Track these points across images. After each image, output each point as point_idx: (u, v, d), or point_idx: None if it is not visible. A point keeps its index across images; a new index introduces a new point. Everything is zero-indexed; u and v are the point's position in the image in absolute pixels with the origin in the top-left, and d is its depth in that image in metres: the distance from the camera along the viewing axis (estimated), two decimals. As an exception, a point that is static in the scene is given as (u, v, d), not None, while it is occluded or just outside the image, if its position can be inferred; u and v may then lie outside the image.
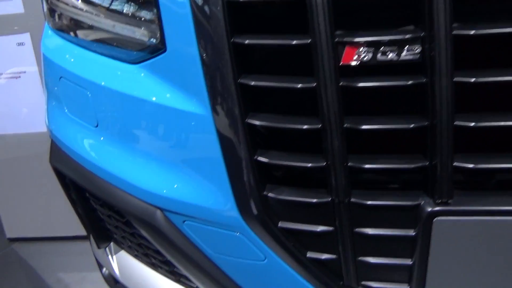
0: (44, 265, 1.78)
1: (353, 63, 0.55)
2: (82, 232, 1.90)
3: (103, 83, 0.79)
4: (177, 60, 0.67)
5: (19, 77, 1.74)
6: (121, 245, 1.02)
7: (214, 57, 0.60)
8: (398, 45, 0.53)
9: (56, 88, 0.93)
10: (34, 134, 1.80)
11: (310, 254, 0.69)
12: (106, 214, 0.94)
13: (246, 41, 0.58)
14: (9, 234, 1.96)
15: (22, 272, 1.77)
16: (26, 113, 1.78)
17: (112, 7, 0.77)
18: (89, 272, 1.72)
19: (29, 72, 1.72)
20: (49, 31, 1.01)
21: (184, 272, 0.82)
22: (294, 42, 0.56)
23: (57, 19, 0.95)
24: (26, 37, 1.68)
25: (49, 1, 0.97)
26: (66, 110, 0.90)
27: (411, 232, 0.63)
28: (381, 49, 0.54)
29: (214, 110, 0.63)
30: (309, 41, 0.55)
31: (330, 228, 0.65)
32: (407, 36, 0.53)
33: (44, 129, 1.78)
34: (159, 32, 0.68)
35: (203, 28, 0.61)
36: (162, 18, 0.66)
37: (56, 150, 0.96)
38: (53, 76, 0.93)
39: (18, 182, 1.88)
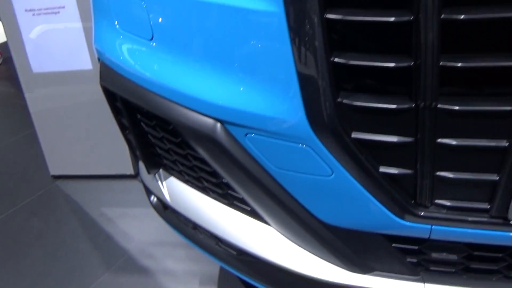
0: (87, 201, 1.81)
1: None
2: (123, 171, 1.93)
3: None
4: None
5: (58, 12, 1.70)
6: (171, 171, 1.00)
7: None
8: None
9: (105, 4, 0.89)
10: (75, 72, 1.78)
11: (383, 169, 0.64)
12: (158, 137, 0.91)
13: None
14: (53, 171, 2.00)
15: (66, 207, 1.81)
16: (67, 49, 1.76)
17: None
18: (130, 208, 1.75)
19: (69, 7, 1.68)
20: None
21: (241, 192, 0.79)
22: None
23: None
24: (64, -31, 1.63)
25: None
26: (117, 26, 0.86)
27: (504, 143, 0.56)
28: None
29: (287, 5, 0.57)
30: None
31: (409, 139, 0.60)
32: None
33: (85, 66, 1.77)
34: None
35: None
36: None
37: (106, 70, 0.92)
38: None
39: (61, 120, 1.89)
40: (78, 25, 1.71)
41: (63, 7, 1.70)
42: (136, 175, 1.92)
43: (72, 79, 1.80)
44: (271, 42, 0.61)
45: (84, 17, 1.69)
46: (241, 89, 0.66)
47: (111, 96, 0.95)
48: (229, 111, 0.68)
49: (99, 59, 0.98)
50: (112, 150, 1.88)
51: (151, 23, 0.76)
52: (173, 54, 0.75)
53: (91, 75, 1.77)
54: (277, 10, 0.58)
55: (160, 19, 0.75)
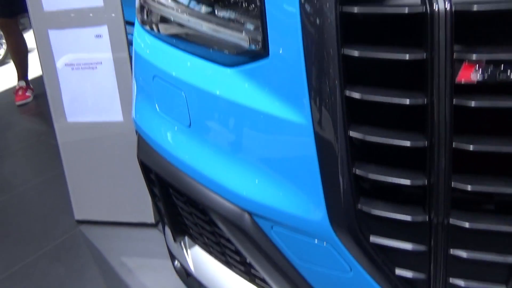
0: (108, 249, 1.87)
1: (471, 80, 0.53)
2: (144, 219, 1.99)
3: (198, 85, 0.81)
4: (279, 67, 0.67)
5: (95, 67, 1.81)
6: (196, 241, 1.05)
7: (321, 67, 0.61)
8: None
9: (148, 86, 0.97)
10: (107, 123, 1.88)
11: (398, 272, 0.68)
12: (187, 211, 0.97)
13: (357, 54, 0.58)
14: (78, 216, 2.07)
15: (89, 254, 1.86)
16: (101, 102, 1.86)
17: (212, 11, 0.79)
18: (149, 259, 1.79)
19: (105, 63, 1.79)
20: (141, 29, 1.04)
21: (263, 274, 0.83)
22: (408, 57, 0.55)
23: (150, 18, 0.98)
24: (104, 30, 1.75)
25: (142, 0, 1.00)
26: (157, 108, 0.93)
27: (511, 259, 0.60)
28: (501, 68, 0.52)
29: (315, 120, 0.63)
30: (424, 56, 0.54)
31: (423, 248, 0.64)
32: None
33: (116, 119, 1.87)
34: (261, 39, 0.69)
35: (311, 37, 0.61)
36: (268, 26, 0.67)
37: (144, 145, 0.99)
38: (145, 74, 0.96)
39: (89, 166, 1.97)
40: (112, 80, 1.82)
41: (100, 63, 1.81)
42: (156, 224, 1.97)
43: (103, 129, 1.90)
44: (299, 149, 0.67)
45: (118, 73, 1.80)
46: (268, 185, 0.72)
47: (146, 168, 1.02)
48: (256, 205, 0.74)
49: (137, 132, 1.06)
50: (135, 198, 1.94)
51: (189, 112, 0.84)
52: (207, 143, 0.81)
53: (122, 127, 1.86)
54: (306, 122, 0.65)
55: (198, 111, 0.82)
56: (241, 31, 0.73)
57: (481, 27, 0.54)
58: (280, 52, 0.66)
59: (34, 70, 3.92)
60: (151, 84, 0.94)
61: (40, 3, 1.77)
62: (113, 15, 1.72)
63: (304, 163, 0.67)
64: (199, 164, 0.83)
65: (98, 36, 1.77)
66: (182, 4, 0.88)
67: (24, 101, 3.95)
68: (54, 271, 1.76)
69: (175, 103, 0.87)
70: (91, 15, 1.74)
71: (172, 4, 0.90)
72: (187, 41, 0.87)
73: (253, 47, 0.71)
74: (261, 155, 0.73)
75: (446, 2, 0.52)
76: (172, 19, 0.90)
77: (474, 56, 0.52)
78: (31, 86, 4.08)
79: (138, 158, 1.01)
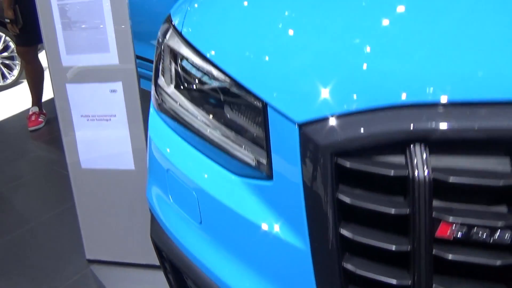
0: (119, 291, 1.96)
1: (448, 237, 0.62)
2: (153, 261, 2.08)
3: (207, 189, 0.90)
4: (281, 194, 0.76)
5: (110, 119, 1.91)
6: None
7: (318, 207, 0.69)
8: (491, 230, 0.60)
9: (161, 175, 1.06)
10: (120, 170, 1.97)
11: None
12: (195, 290, 1.05)
13: (349, 201, 0.66)
14: (88, 255, 2.16)
15: (100, 295, 1.96)
16: (114, 151, 1.96)
17: (225, 122, 0.88)
18: (157, 302, 1.88)
19: (119, 115, 1.89)
20: (156, 114, 1.12)
21: None
22: (393, 211, 0.63)
23: (164, 107, 1.06)
24: (118, 85, 1.85)
25: (158, 91, 1.09)
26: (170, 198, 1.02)
27: None
28: (474, 230, 0.60)
29: (313, 249, 0.72)
30: (407, 211, 0.63)
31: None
32: (500, 223, 0.59)
33: (128, 167, 1.96)
34: (266, 164, 0.78)
35: (309, 180, 0.69)
36: (272, 158, 0.76)
37: (156, 225, 1.08)
38: (158, 164, 1.05)
39: (101, 209, 2.07)
40: (125, 131, 1.91)
41: (114, 115, 1.91)
42: (164, 266, 2.05)
43: (116, 176, 1.99)
44: (296, 269, 0.76)
45: (131, 125, 1.90)
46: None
47: (157, 247, 1.11)
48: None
49: (150, 210, 1.15)
50: (144, 241, 2.03)
51: (200, 211, 0.92)
52: (214, 242, 0.90)
53: (133, 174, 1.96)
54: (305, 248, 0.73)
55: (207, 211, 0.91)
56: (248, 151, 0.82)
57: (459, 192, 0.63)
58: (282, 182, 0.75)
59: (46, 92, 4.03)
60: (164, 175, 1.03)
61: (59, 59, 1.87)
62: (127, 72, 1.82)
63: (302, 283, 0.75)
64: (208, 261, 0.91)
65: (113, 91, 1.87)
66: (194, 107, 0.96)
67: (36, 127, 4.08)
68: (67, 314, 1.85)
69: (188, 199, 0.96)
70: (107, 71, 1.84)
71: (184, 105, 0.98)
72: (199, 140, 0.96)
73: (259, 168, 0.80)
74: (262, 265, 0.81)
75: (426, 170, 0.60)
76: (182, 116, 0.98)
77: (450, 219, 0.60)
78: (44, 111, 4.20)
79: (151, 236, 1.10)
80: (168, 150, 1.03)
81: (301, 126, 0.70)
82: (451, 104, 0.61)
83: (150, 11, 3.03)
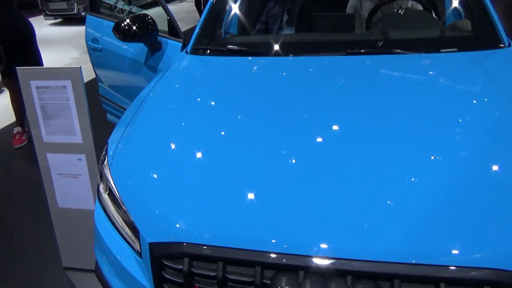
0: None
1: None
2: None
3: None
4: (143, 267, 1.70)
5: (77, 177, 2.82)
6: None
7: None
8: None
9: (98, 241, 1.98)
10: (83, 210, 2.89)
11: None
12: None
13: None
14: (65, 264, 3.09)
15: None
16: (79, 196, 2.88)
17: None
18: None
19: (83, 175, 2.80)
20: (98, 205, 2.05)
21: None
22: None
23: (102, 205, 1.98)
24: (82, 156, 2.76)
25: (99, 193, 2.01)
26: (104, 257, 1.95)
27: None
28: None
29: None
30: None
31: None
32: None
33: (89, 207, 2.88)
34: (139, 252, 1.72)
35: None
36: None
37: (98, 269, 2.01)
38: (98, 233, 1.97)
39: (78, 232, 2.99)
40: (88, 186, 2.83)
41: (81, 175, 2.82)
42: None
43: (79, 213, 2.92)
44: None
45: (92, 181, 2.81)
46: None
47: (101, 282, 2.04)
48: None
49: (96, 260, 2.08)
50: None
51: (114, 268, 1.86)
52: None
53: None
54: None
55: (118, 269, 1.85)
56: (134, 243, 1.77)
57: None
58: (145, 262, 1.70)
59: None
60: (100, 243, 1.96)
61: (41, 137, 2.76)
62: (88, 147, 2.72)
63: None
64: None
65: (79, 159, 2.78)
66: (116, 213, 1.90)
67: (21, 145, 4.92)
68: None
69: (110, 258, 1.89)
70: (75, 146, 2.74)
71: (111, 208, 1.92)
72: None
73: (138, 253, 1.74)
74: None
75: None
76: (109, 216, 1.92)
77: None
78: (26, 129, 5.03)
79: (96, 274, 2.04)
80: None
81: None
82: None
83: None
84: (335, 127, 1.75)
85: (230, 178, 1.58)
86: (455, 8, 2.87)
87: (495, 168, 1.42)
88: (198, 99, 2.18)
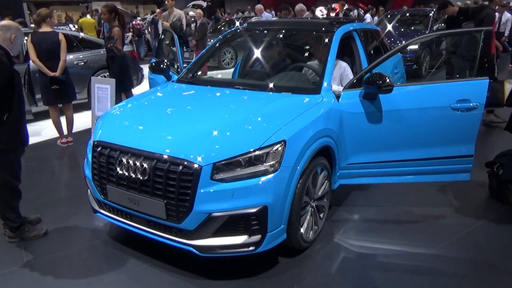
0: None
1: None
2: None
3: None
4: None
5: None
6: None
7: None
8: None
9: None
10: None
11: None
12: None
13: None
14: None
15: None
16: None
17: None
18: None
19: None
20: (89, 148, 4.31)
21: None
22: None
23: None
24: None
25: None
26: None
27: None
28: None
29: None
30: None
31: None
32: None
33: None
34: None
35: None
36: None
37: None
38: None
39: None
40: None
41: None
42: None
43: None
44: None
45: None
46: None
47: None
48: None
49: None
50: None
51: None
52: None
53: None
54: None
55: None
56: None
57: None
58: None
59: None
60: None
61: (95, 111, 5.52)
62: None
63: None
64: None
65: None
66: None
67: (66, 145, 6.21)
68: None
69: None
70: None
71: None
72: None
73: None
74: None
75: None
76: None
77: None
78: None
79: None
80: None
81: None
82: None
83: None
84: (199, 106, 3.53)
85: (142, 118, 3.34)
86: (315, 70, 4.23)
87: (246, 118, 3.09)
88: (153, 97, 4.60)
